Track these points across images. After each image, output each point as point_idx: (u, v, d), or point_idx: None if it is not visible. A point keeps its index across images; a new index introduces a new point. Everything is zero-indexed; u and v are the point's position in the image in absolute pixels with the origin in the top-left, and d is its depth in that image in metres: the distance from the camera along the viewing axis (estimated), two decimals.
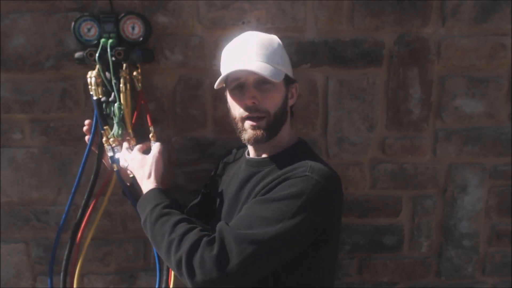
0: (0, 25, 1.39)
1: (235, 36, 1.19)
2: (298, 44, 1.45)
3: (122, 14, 1.33)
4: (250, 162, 1.20)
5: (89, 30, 1.33)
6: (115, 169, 1.31)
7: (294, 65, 1.47)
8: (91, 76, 1.28)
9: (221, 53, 1.19)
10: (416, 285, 1.71)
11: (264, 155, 1.18)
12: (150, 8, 1.40)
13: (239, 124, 1.12)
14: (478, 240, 1.66)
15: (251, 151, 1.22)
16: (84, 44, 1.34)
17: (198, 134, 1.54)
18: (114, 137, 1.29)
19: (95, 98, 1.28)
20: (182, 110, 1.51)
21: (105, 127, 1.29)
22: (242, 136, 1.12)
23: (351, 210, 1.62)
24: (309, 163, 1.06)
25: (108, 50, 1.27)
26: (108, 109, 1.30)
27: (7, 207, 1.56)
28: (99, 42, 1.30)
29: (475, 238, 1.66)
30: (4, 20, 1.39)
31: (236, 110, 1.12)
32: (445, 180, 1.61)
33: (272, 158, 1.15)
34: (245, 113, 1.09)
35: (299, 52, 1.46)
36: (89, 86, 1.29)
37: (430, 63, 1.49)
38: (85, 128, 1.34)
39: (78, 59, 1.35)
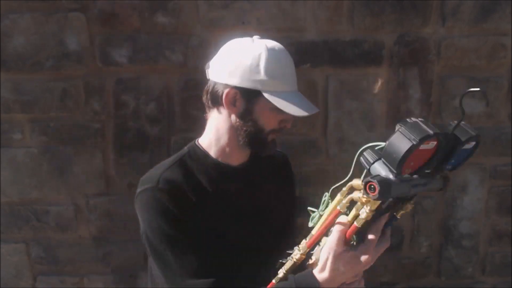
0: (0, 25, 1.39)
1: (235, 36, 1.12)
2: (298, 44, 1.45)
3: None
4: (253, 166, 1.18)
5: None
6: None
7: (294, 65, 1.46)
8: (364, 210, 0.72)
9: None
10: (416, 285, 1.71)
11: (244, 160, 1.17)
12: (150, 8, 1.40)
13: (261, 135, 1.08)
14: (478, 240, 1.66)
15: (236, 158, 1.09)
16: None
17: (198, 134, 1.54)
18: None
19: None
20: (182, 110, 1.51)
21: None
22: (261, 144, 1.08)
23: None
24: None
25: None
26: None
27: (7, 207, 1.56)
28: None
29: (475, 238, 1.66)
30: (4, 20, 1.39)
31: (270, 125, 1.08)
32: None
33: (255, 157, 1.16)
34: (275, 132, 1.08)
35: (299, 52, 1.46)
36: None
37: (430, 63, 1.49)
38: None
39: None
